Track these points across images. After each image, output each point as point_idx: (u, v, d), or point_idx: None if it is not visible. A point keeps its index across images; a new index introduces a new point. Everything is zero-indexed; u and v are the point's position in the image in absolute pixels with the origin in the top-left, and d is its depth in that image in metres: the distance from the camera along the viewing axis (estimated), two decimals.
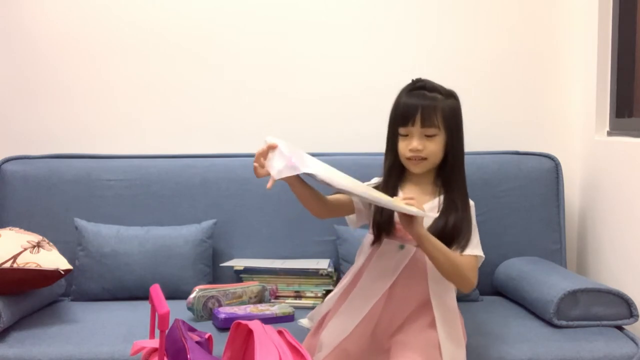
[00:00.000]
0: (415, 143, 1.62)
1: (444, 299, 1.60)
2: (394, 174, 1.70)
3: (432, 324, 1.57)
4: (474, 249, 1.61)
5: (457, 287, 1.63)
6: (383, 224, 1.63)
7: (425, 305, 1.59)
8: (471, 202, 1.68)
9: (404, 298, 1.59)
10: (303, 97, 2.46)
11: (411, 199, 1.52)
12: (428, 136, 1.62)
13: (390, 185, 1.69)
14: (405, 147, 1.64)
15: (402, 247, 1.63)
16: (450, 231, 1.59)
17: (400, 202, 1.50)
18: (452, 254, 1.57)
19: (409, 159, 1.65)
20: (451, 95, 1.68)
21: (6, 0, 2.42)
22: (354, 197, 1.64)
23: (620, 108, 2.23)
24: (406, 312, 1.58)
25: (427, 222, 1.61)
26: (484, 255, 1.63)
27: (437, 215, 1.60)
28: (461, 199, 1.64)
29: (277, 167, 1.47)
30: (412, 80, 1.70)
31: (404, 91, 1.68)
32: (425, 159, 1.64)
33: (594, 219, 2.26)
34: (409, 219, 1.50)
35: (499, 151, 2.34)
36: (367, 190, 1.49)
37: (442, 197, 1.65)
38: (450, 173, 1.66)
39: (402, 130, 1.65)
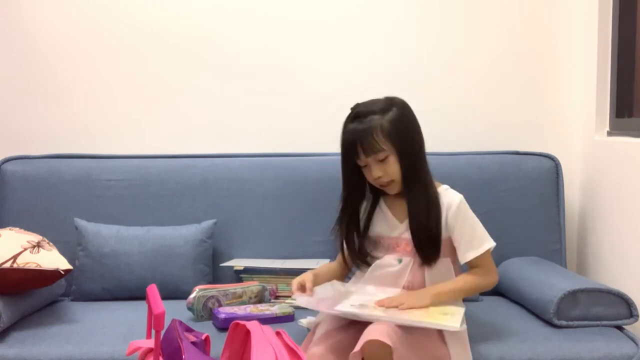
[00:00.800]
0: (374, 172, 1.63)
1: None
2: (350, 204, 1.72)
3: (440, 336, 1.57)
4: (481, 245, 1.65)
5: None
6: (360, 258, 1.71)
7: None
8: (460, 196, 1.67)
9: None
10: (303, 97, 2.46)
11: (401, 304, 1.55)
12: (381, 161, 1.62)
13: (346, 216, 1.72)
14: (370, 177, 1.66)
15: (400, 260, 1.64)
16: (435, 245, 1.63)
17: (423, 316, 1.52)
18: (464, 283, 1.63)
19: (378, 185, 1.67)
20: (390, 107, 1.65)
21: (6, 0, 2.43)
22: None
23: (620, 108, 2.22)
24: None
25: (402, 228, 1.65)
26: (494, 243, 1.68)
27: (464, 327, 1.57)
28: (427, 203, 1.64)
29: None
30: (351, 109, 1.69)
31: (345, 123, 1.68)
32: (391, 181, 1.65)
33: (594, 219, 2.26)
34: (414, 302, 1.55)
35: (499, 151, 2.34)
36: (389, 313, 1.52)
37: (409, 217, 1.65)
38: (408, 188, 1.65)
39: (359, 162, 1.66)
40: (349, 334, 1.54)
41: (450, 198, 1.67)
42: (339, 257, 1.81)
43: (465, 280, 1.65)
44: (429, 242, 1.62)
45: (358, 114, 1.64)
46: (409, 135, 1.65)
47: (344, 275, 1.82)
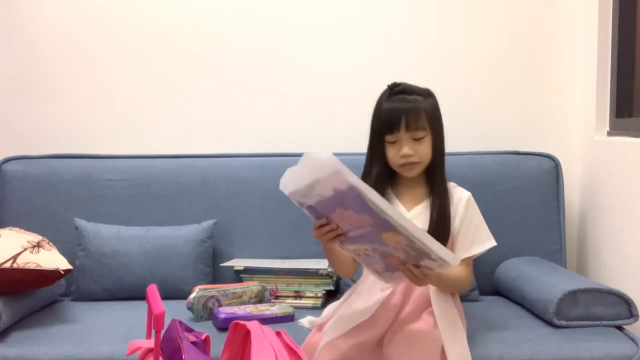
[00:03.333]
0: (405, 149, 1.62)
1: (444, 303, 1.61)
2: (381, 183, 1.68)
3: (435, 326, 1.57)
4: (485, 242, 1.67)
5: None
6: None
7: (426, 308, 1.60)
8: (469, 193, 1.69)
9: (405, 299, 1.60)
10: (303, 97, 2.46)
11: None
12: (416, 140, 1.62)
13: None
14: (396, 154, 1.64)
15: None
16: (446, 233, 1.63)
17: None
18: (464, 274, 1.63)
19: (401, 165, 1.65)
20: (430, 95, 1.69)
21: (6, 0, 2.43)
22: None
23: (620, 108, 2.22)
24: (408, 313, 1.58)
25: (422, 222, 1.63)
26: (495, 242, 1.69)
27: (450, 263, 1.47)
28: (444, 198, 1.67)
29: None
30: (389, 86, 1.68)
31: (383, 97, 1.67)
32: (417, 162, 1.64)
33: (594, 219, 2.26)
34: (418, 279, 1.45)
35: (499, 151, 2.34)
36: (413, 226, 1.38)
37: (431, 199, 1.67)
38: (433, 173, 1.68)
39: (389, 138, 1.64)
40: (355, 344, 1.54)
41: (459, 194, 1.70)
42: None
43: (465, 272, 1.64)
44: (443, 232, 1.63)
45: (403, 89, 1.65)
46: (442, 126, 1.70)
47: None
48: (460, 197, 1.69)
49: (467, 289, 1.71)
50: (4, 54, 2.44)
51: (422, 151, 1.64)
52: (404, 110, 1.61)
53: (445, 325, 1.57)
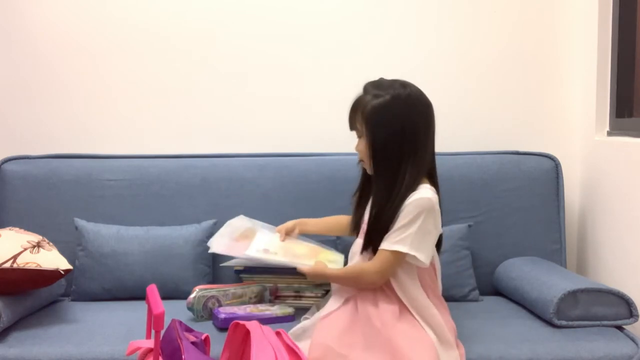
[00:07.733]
0: (355, 146, 1.70)
1: (414, 298, 1.62)
2: (364, 178, 1.78)
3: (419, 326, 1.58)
4: (396, 243, 1.59)
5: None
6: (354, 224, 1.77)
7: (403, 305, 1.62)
8: (426, 197, 1.60)
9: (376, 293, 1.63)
10: (303, 98, 2.46)
11: None
12: (359, 138, 1.69)
13: (360, 184, 1.80)
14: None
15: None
16: (380, 229, 1.63)
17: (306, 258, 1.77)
18: (345, 273, 1.70)
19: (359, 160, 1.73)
20: (386, 92, 1.61)
21: (6, 0, 2.43)
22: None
23: (620, 108, 2.23)
24: (385, 309, 1.60)
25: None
26: (412, 253, 1.58)
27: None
28: (377, 198, 1.64)
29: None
30: None
31: None
32: (362, 160, 1.70)
33: (594, 219, 2.26)
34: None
35: (499, 151, 2.34)
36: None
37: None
38: (376, 171, 1.65)
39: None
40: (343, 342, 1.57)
41: (415, 196, 1.60)
42: (345, 217, 1.89)
43: (372, 266, 1.62)
44: (376, 228, 1.63)
45: (364, 87, 1.69)
46: (388, 126, 1.60)
47: (339, 233, 1.99)
48: (410, 197, 1.60)
49: (374, 283, 1.63)
50: (4, 54, 2.44)
51: (360, 149, 1.69)
52: (349, 110, 1.69)
53: (416, 312, 1.60)
